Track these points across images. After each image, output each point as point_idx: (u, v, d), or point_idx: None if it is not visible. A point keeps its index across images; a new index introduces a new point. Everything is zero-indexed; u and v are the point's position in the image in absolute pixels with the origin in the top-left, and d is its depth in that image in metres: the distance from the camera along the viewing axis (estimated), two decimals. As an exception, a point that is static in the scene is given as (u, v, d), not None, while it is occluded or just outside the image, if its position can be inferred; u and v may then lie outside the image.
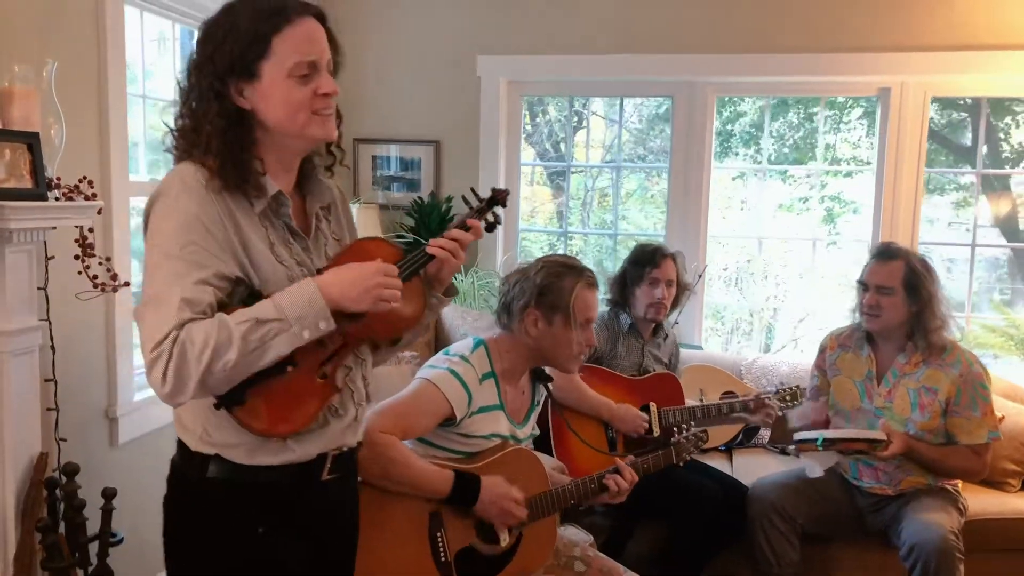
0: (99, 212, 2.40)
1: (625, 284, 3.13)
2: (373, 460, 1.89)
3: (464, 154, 4.07)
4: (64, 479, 2.31)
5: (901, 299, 2.75)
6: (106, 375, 2.80)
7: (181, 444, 1.50)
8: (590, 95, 4.83)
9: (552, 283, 2.15)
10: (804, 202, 7.11)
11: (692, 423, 3.02)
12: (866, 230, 3.99)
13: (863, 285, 2.84)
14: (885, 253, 2.82)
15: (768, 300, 7.51)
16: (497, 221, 1.69)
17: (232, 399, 1.37)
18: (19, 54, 2.29)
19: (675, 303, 3.16)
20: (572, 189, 8.30)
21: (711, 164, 3.99)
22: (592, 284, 2.20)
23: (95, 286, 2.36)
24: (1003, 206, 6.30)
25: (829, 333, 3.08)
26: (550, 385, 2.35)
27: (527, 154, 6.20)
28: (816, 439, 2.67)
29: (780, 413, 3.12)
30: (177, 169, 1.44)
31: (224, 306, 1.36)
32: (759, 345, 7.07)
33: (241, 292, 1.40)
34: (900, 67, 3.67)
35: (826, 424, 2.89)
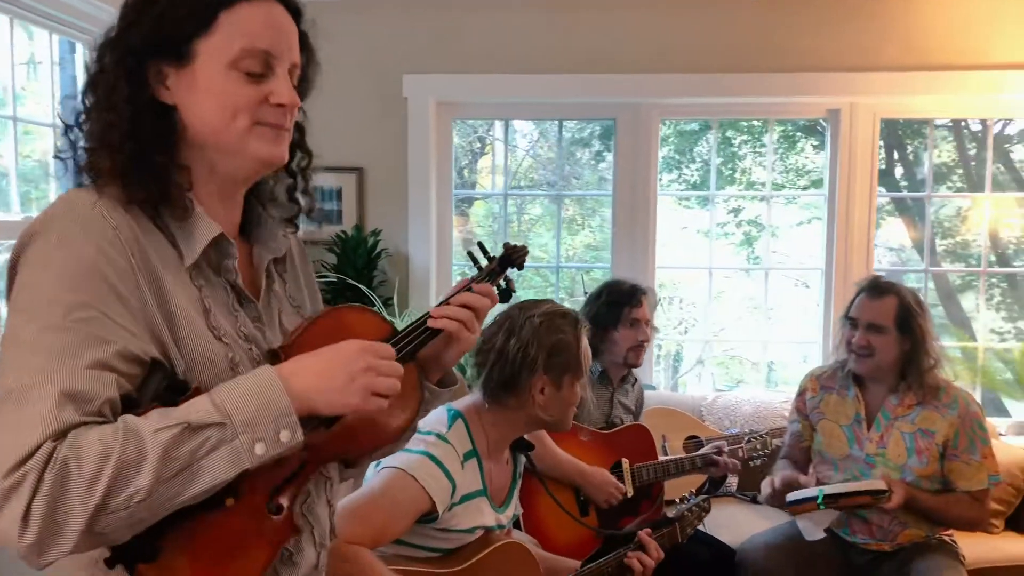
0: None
1: (597, 328, 2.80)
2: (336, 577, 1.48)
3: (391, 182, 3.67)
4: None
5: (894, 338, 2.53)
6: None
7: None
8: (527, 117, 4.54)
9: (559, 340, 1.82)
10: (722, 227, 7.04)
11: (666, 478, 2.78)
12: (780, 253, 3.82)
13: (851, 321, 2.61)
14: (876, 288, 2.59)
15: (680, 324, 7.43)
16: (511, 288, 1.32)
17: (136, 552, 0.93)
18: None
19: (648, 342, 2.89)
20: (478, 217, 8.01)
21: (656, 190, 3.74)
22: (586, 328, 1.91)
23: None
24: (921, 229, 6.37)
25: (808, 373, 2.84)
26: (531, 454, 2.00)
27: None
28: (815, 496, 2.40)
29: (753, 464, 2.92)
30: (64, 196, 1.00)
31: (131, 404, 0.92)
32: (667, 369, 6.99)
33: (156, 383, 0.95)
34: (849, 88, 3.53)
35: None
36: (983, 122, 6.15)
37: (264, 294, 1.14)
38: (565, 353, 1.82)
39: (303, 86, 1.12)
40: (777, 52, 3.51)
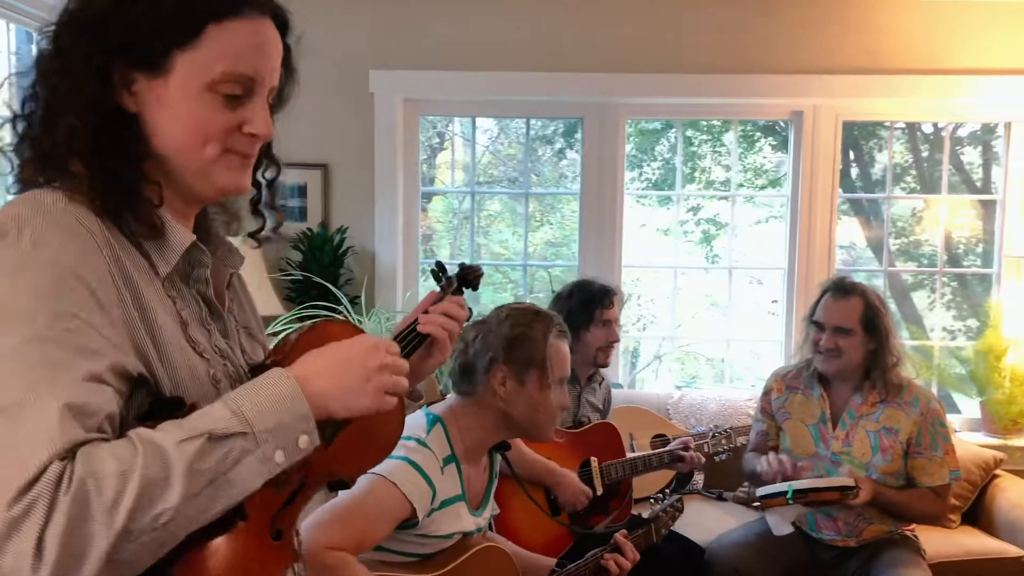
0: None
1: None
2: (320, 586, 1.46)
3: (357, 179, 3.63)
4: None
5: (860, 339, 2.58)
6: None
7: None
8: (495, 115, 4.52)
9: (522, 333, 1.79)
10: (681, 225, 7.10)
11: (635, 475, 2.80)
12: (737, 251, 3.87)
13: (817, 324, 2.65)
14: (841, 289, 2.63)
15: (639, 321, 7.49)
16: (467, 312, 1.31)
17: None
18: None
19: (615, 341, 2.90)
20: (437, 212, 7.97)
21: (623, 188, 3.75)
22: (565, 334, 1.87)
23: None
24: (875, 229, 6.51)
25: (774, 373, 2.88)
26: (507, 454, 1.99)
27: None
28: (785, 492, 2.43)
29: (719, 459, 2.95)
30: (29, 196, 0.89)
31: (119, 424, 0.84)
32: (625, 365, 7.05)
33: (140, 401, 0.88)
34: (813, 90, 3.57)
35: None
36: (935, 125, 6.32)
37: (227, 309, 1.07)
38: (527, 347, 1.78)
39: (276, 103, 1.04)
40: (743, 54, 3.54)
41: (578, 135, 6.53)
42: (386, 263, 3.64)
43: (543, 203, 7.15)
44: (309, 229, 3.54)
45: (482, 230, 7.61)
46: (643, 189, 6.97)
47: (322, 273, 3.37)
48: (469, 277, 1.32)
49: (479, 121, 5.84)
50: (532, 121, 4.40)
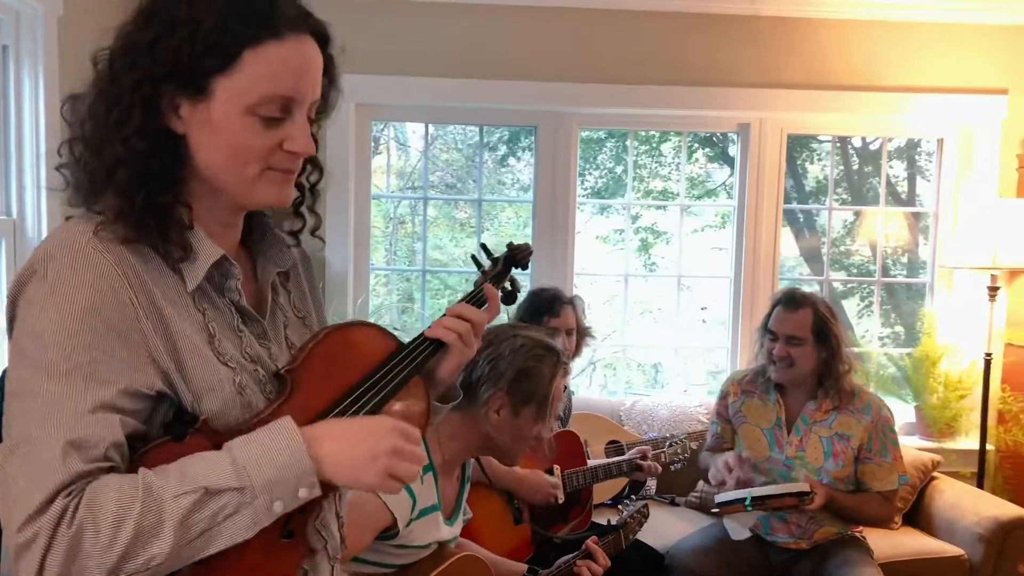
0: None
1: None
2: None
3: (307, 184, 3.56)
4: None
5: (811, 348, 2.65)
6: None
7: None
8: (448, 122, 4.49)
9: (532, 368, 1.78)
10: (620, 233, 7.20)
11: (595, 483, 2.83)
12: (674, 261, 3.95)
13: (771, 334, 2.71)
14: (792, 300, 2.71)
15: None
16: (516, 289, 1.30)
17: None
18: None
19: (576, 351, 2.90)
20: (373, 218, 7.92)
21: (576, 197, 3.78)
22: (567, 371, 1.88)
23: None
24: (808, 239, 6.72)
25: (729, 377, 2.95)
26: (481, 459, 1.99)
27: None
28: (744, 499, 2.49)
29: (673, 468, 3.00)
30: (60, 230, 0.96)
31: (140, 438, 0.91)
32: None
33: (163, 414, 0.94)
34: (759, 104, 3.67)
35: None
36: (863, 139, 6.57)
37: (270, 310, 1.10)
38: (532, 382, 1.78)
39: (321, 110, 1.07)
40: (694, 67, 3.61)
41: (521, 143, 6.59)
42: (337, 268, 3.59)
43: (481, 209, 7.16)
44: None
45: (418, 235, 7.57)
46: (584, 197, 7.04)
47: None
48: (517, 256, 1.30)
49: (416, 127, 5.80)
50: (472, 128, 4.39)
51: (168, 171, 0.97)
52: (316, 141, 1.05)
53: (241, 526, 0.89)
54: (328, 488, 0.96)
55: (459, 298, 1.29)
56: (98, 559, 0.83)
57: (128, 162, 0.94)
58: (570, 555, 1.97)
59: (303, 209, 1.13)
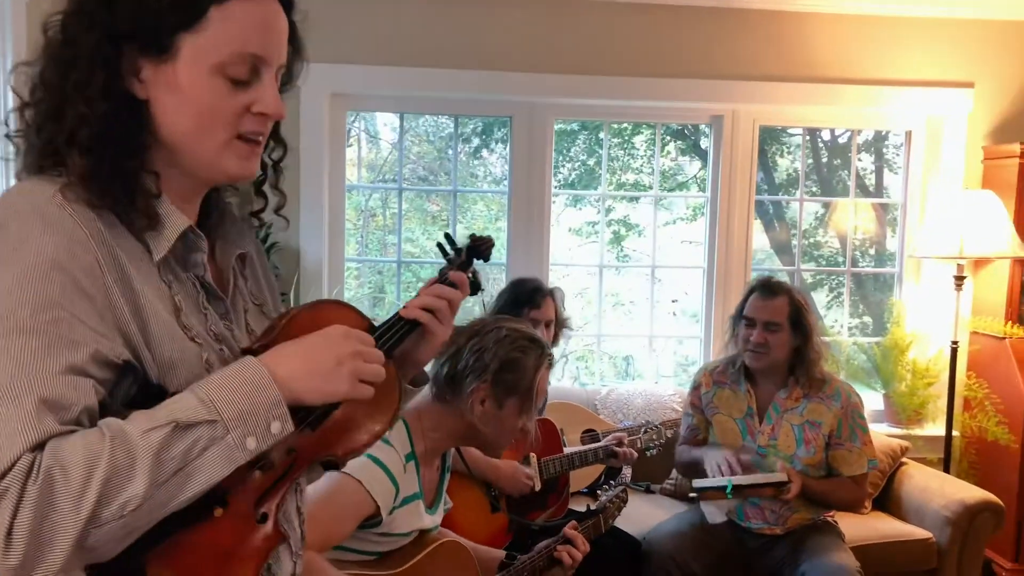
0: None
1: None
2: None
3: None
4: None
5: (787, 334, 2.70)
6: None
7: None
8: (422, 112, 4.48)
9: (516, 360, 1.78)
10: (592, 225, 7.23)
11: (571, 470, 2.85)
12: (644, 251, 3.99)
13: (747, 320, 2.75)
14: (768, 288, 2.75)
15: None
16: (478, 280, 1.30)
17: (119, 571, 0.86)
18: None
19: (554, 342, 2.92)
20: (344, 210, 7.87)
21: (551, 188, 3.79)
22: (552, 364, 1.88)
23: None
24: (777, 231, 6.79)
25: (702, 368, 2.98)
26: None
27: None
28: (725, 487, 2.52)
29: (650, 454, 3.03)
30: (19, 187, 0.92)
31: (103, 412, 0.86)
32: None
33: (127, 387, 0.89)
34: (732, 96, 3.70)
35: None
36: (832, 132, 6.66)
37: (232, 291, 1.07)
38: (516, 373, 1.79)
39: (286, 81, 1.05)
40: (667, 59, 3.64)
41: (495, 134, 6.59)
42: (312, 259, 3.57)
43: (450, 201, 7.15)
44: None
45: (389, 228, 7.54)
46: (558, 188, 7.06)
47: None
48: (480, 248, 1.30)
49: (387, 118, 5.77)
50: (445, 119, 4.39)
51: (132, 137, 0.93)
52: None
53: (216, 463, 0.85)
54: (300, 421, 0.93)
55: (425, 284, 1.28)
56: (72, 509, 0.78)
57: (92, 122, 0.90)
58: (549, 540, 1.98)
59: (265, 188, 1.10)
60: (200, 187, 1.03)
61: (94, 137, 0.90)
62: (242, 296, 1.10)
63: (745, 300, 2.80)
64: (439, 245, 1.32)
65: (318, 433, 0.99)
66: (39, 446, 0.79)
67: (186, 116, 0.94)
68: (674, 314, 7.35)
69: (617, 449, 2.86)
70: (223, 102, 0.94)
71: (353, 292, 6.08)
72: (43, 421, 0.80)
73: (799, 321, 2.69)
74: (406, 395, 1.21)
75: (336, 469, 1.10)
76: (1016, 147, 3.51)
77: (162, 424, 0.83)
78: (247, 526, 0.95)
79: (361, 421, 1.06)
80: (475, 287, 1.29)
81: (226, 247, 1.08)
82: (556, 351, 3.47)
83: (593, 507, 2.22)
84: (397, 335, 1.13)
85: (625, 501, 2.29)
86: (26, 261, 0.84)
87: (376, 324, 1.13)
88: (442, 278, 1.22)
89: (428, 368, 1.28)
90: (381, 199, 7.47)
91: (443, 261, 1.31)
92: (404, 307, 1.17)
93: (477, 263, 1.32)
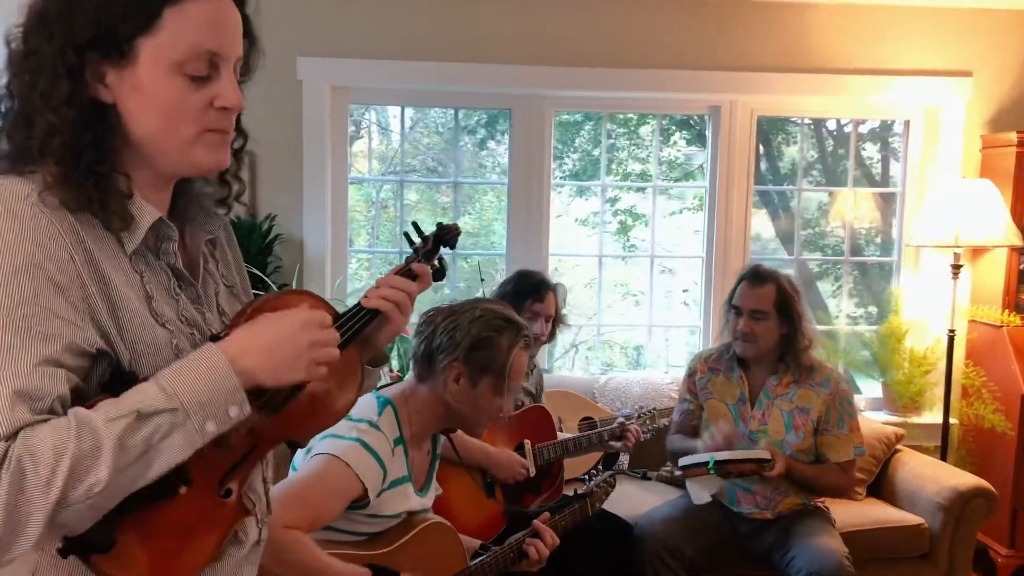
0: None
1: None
2: (276, 564, 1.48)
3: (285, 167, 3.60)
4: None
5: (774, 323, 2.74)
6: None
7: None
8: (424, 104, 4.54)
9: (489, 338, 1.82)
10: (598, 216, 7.25)
11: (566, 457, 2.90)
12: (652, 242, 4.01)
13: (735, 309, 2.79)
14: (756, 276, 2.78)
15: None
16: (443, 268, 1.36)
17: (91, 542, 0.93)
18: None
19: (550, 337, 2.99)
20: (354, 201, 7.91)
21: (550, 179, 3.83)
22: (528, 345, 1.91)
23: None
24: (782, 220, 6.80)
25: (697, 355, 3.03)
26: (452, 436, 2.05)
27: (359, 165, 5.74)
28: (707, 462, 2.56)
29: (644, 438, 3.07)
30: None
31: (79, 397, 0.93)
32: (542, 354, 7.16)
33: (101, 373, 0.95)
34: (730, 86, 3.73)
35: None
36: (838, 122, 6.64)
37: (202, 276, 1.13)
38: (489, 351, 1.81)
39: (244, 72, 1.09)
40: (665, 50, 3.67)
41: (499, 126, 6.62)
42: (315, 251, 3.64)
43: (461, 192, 7.19)
44: (237, 217, 3.50)
45: (399, 219, 7.58)
46: (561, 179, 7.09)
47: (250, 261, 3.34)
48: (446, 236, 1.36)
49: (396, 110, 5.82)
50: (452, 111, 4.43)
51: (102, 141, 0.98)
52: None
53: (177, 447, 0.91)
54: (260, 404, 0.99)
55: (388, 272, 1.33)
56: (41, 494, 0.84)
57: (61, 130, 0.95)
58: (519, 533, 2.00)
59: (228, 176, 1.14)
60: (171, 179, 1.08)
61: (65, 145, 0.95)
62: (212, 279, 1.15)
63: (735, 289, 2.84)
64: (406, 234, 1.38)
65: (279, 417, 1.05)
66: (12, 436, 0.85)
67: (152, 116, 0.98)
68: (686, 303, 7.37)
69: (629, 426, 2.91)
70: (185, 99, 0.98)
71: (363, 283, 6.15)
72: (16, 412, 0.86)
73: (786, 309, 2.72)
74: (367, 375, 1.27)
75: (300, 447, 1.16)
76: (1014, 136, 3.52)
77: (126, 413, 0.89)
78: (212, 501, 1.02)
79: (323, 402, 1.12)
80: (440, 274, 1.35)
81: (195, 232, 1.13)
82: (566, 341, 3.51)
83: (580, 491, 2.27)
84: (358, 323, 1.19)
85: (613, 486, 2.33)
86: (4, 255, 0.90)
87: (339, 313, 1.18)
88: (406, 267, 1.28)
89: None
90: (393, 191, 7.52)
91: (447, 252, 1.37)
92: (366, 296, 1.23)
93: (444, 250, 1.37)
